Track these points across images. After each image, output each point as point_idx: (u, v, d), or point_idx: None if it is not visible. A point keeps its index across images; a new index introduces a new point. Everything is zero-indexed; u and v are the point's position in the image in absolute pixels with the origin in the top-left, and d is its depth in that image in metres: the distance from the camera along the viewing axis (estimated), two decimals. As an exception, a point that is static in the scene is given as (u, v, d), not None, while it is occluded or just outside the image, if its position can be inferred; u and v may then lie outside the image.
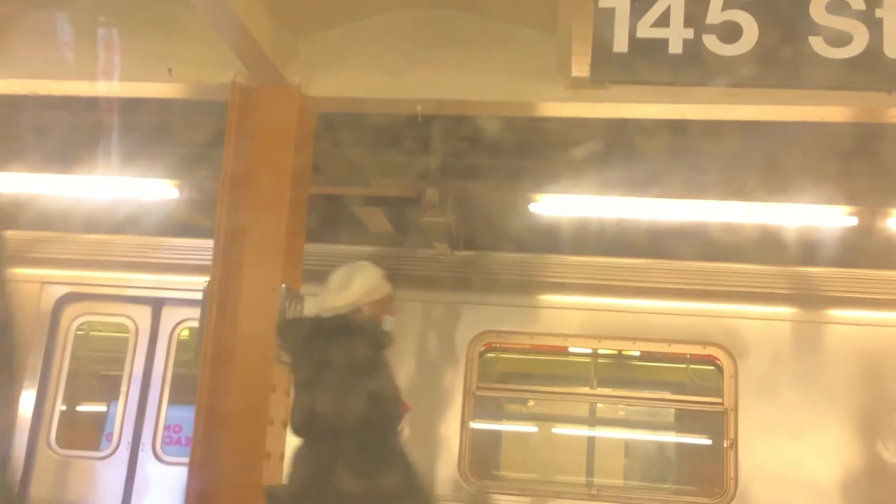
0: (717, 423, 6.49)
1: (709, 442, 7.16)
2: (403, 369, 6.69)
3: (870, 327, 6.45)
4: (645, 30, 3.93)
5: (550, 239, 7.39)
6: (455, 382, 6.66)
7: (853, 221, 6.93)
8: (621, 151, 6.47)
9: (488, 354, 6.90)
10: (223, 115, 5.47)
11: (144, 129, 6.80)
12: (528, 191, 6.83)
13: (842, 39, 3.87)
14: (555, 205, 7.09)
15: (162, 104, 6.39)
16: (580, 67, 4.68)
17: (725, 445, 6.35)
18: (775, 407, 6.32)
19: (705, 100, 5.08)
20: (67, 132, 6.81)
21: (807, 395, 6.32)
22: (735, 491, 6.22)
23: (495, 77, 5.38)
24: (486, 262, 7.10)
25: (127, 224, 7.57)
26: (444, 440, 6.55)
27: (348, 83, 5.51)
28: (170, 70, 5.54)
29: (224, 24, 4.96)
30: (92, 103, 6.32)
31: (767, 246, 7.05)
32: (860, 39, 3.87)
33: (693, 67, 3.93)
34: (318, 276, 6.18)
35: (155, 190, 7.17)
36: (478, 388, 6.69)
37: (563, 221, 7.37)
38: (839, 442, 6.24)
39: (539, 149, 6.65)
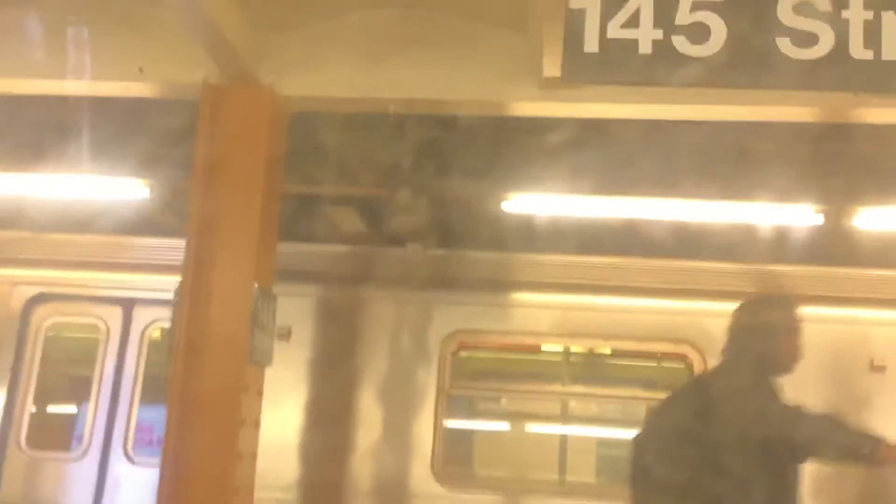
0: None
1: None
2: (376, 369, 6.71)
3: (836, 324, 6.53)
4: (615, 30, 3.96)
5: (523, 237, 7.42)
6: (428, 381, 6.67)
7: (820, 220, 7.03)
8: (593, 150, 6.51)
9: (461, 353, 6.91)
10: (195, 113, 5.45)
11: (115, 128, 6.75)
12: (501, 189, 6.85)
13: (808, 40, 3.92)
14: (527, 203, 7.13)
15: (133, 103, 6.35)
16: (552, 67, 4.72)
17: (696, 442, 6.40)
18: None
19: (676, 100, 5.13)
20: (37, 131, 6.75)
21: (775, 391, 6.38)
22: (705, 487, 6.28)
23: (468, 76, 5.41)
24: (458, 260, 7.12)
25: (98, 224, 7.51)
26: (417, 439, 6.56)
27: (321, 82, 5.50)
28: (140, 69, 5.50)
29: (195, 22, 4.94)
30: (61, 102, 6.26)
31: (736, 244, 7.13)
32: (826, 40, 3.93)
33: (663, 67, 3.96)
34: (291, 275, 6.23)
35: (126, 189, 7.11)
36: (451, 386, 6.70)
37: (536, 220, 7.41)
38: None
39: (511, 147, 6.68)
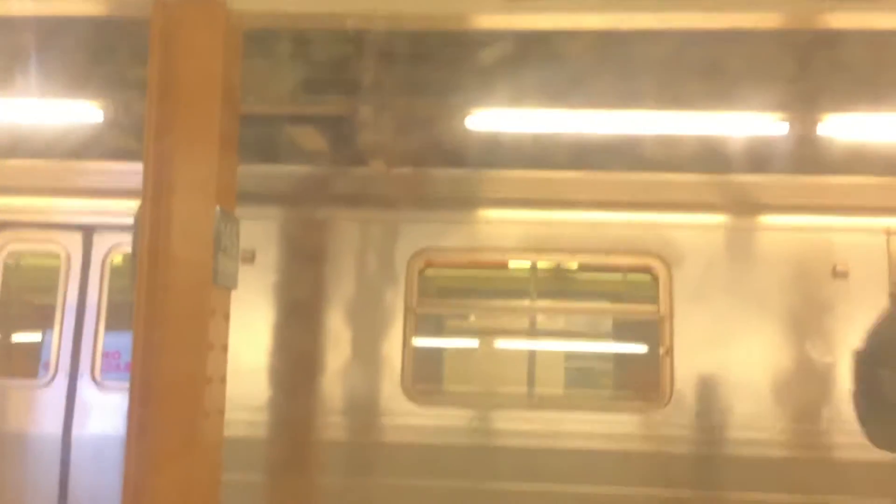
0: (654, 331, 6.63)
1: (645, 349, 7.35)
2: (342, 290, 6.70)
3: (799, 232, 6.60)
4: (578, -63, 3.86)
5: (488, 154, 7.36)
6: (395, 300, 6.67)
7: (784, 128, 7.04)
8: (556, 63, 6.42)
9: (428, 272, 6.91)
10: (147, 32, 5.27)
11: (65, 50, 6.54)
12: (464, 105, 6.76)
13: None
14: (491, 119, 7.04)
15: (82, 22, 6.14)
16: (513, -23, 4.61)
17: (661, 352, 6.50)
18: (709, 313, 6.48)
19: (639, 8, 5.05)
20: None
21: (739, 300, 6.48)
22: (671, 395, 6.41)
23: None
24: (422, 178, 7.06)
25: (54, 149, 7.35)
26: (386, 358, 6.60)
27: (275, -4, 5.34)
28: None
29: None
30: (7, 22, 6.04)
31: (700, 155, 7.13)
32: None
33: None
34: (252, 198, 6.15)
35: (80, 112, 6.93)
36: (418, 305, 6.72)
37: (501, 136, 7.34)
38: (770, 345, 6.44)
39: (474, 62, 6.56)
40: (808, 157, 7.07)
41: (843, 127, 7.06)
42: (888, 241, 6.52)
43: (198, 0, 5.23)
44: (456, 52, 6.50)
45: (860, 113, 6.94)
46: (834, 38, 5.93)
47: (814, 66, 6.46)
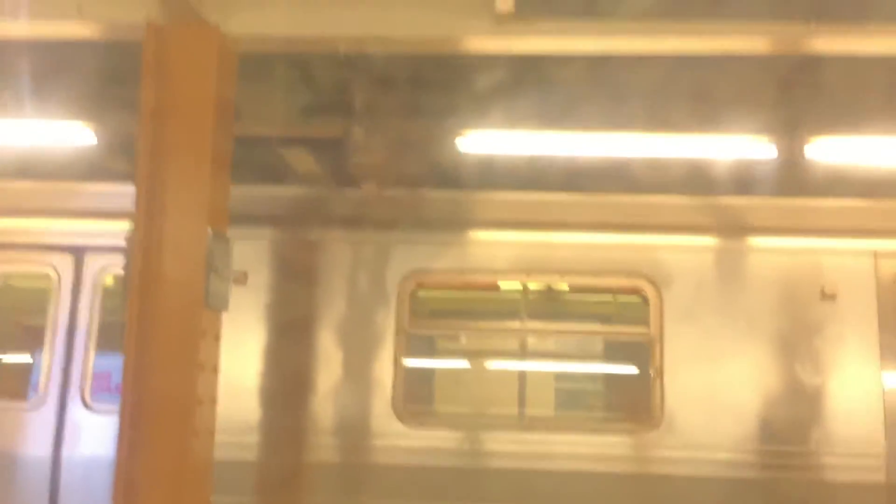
0: (644, 352, 6.65)
1: (636, 371, 7.36)
2: (335, 310, 6.70)
3: (788, 255, 6.64)
4: (568, -37, 3.92)
5: (480, 176, 7.40)
6: (387, 321, 6.68)
7: (773, 151, 7.10)
8: (547, 86, 6.47)
9: (419, 293, 6.92)
10: (139, 54, 5.29)
11: (59, 72, 6.56)
12: (455, 127, 6.80)
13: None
14: (482, 141, 7.08)
15: (75, 44, 6.16)
16: (505, 2, 4.66)
17: (652, 374, 6.52)
18: (699, 335, 6.50)
19: (630, 33, 5.10)
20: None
21: (729, 322, 6.51)
22: (661, 417, 6.42)
23: (419, 13, 5.30)
24: (414, 200, 7.09)
25: (45, 170, 7.35)
26: (377, 379, 6.59)
27: (268, 20, 5.37)
28: (79, 7, 5.32)
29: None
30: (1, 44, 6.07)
31: (689, 178, 7.18)
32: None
33: (616, 1, 3.93)
34: (246, 219, 6.16)
35: (72, 134, 6.94)
36: (410, 326, 6.72)
37: (491, 157, 7.38)
38: (760, 366, 6.46)
39: (465, 85, 6.61)
40: (795, 179, 7.14)
41: (830, 150, 7.13)
42: (876, 264, 6.56)
43: (191, 24, 5.28)
44: (448, 76, 6.55)
45: (846, 136, 7.01)
46: (820, 63, 6.00)
47: (800, 90, 6.53)
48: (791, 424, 6.38)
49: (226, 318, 5.49)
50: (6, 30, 5.51)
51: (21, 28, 5.45)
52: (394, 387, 6.57)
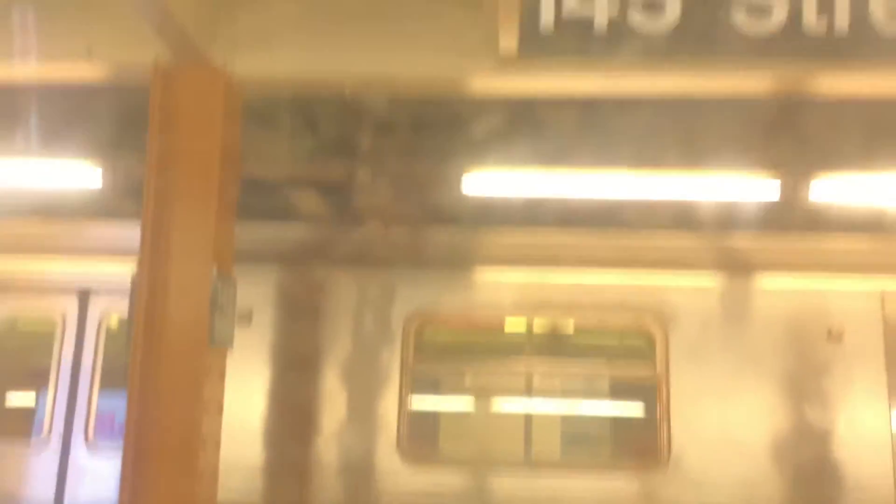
0: (651, 392, 6.61)
1: (642, 411, 7.30)
2: (339, 349, 6.69)
3: (794, 295, 6.62)
4: (571, 6, 3.96)
5: (484, 215, 7.41)
6: (392, 360, 6.67)
7: (776, 190, 7.10)
8: (551, 126, 6.50)
9: (424, 331, 6.91)
10: (147, 96, 5.34)
11: (67, 112, 6.61)
12: (460, 167, 6.83)
13: (762, 14, 3.94)
14: (487, 180, 7.10)
15: (84, 86, 6.22)
16: (508, 45, 4.70)
17: (658, 413, 6.48)
18: (705, 375, 6.47)
19: (631, 75, 5.12)
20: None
21: (735, 361, 6.48)
22: (668, 458, 6.36)
23: (423, 54, 5.36)
24: (419, 239, 7.10)
25: (51, 210, 7.37)
26: (382, 418, 6.57)
27: (274, 62, 5.42)
28: (89, 50, 5.38)
29: (143, 1, 4.84)
30: (10, 87, 6.12)
31: (696, 217, 7.17)
32: (780, 12, 3.95)
33: (619, 43, 3.97)
34: (251, 258, 6.17)
35: (78, 175, 6.97)
36: (415, 365, 6.70)
37: (496, 197, 7.39)
38: (767, 406, 6.42)
39: (469, 125, 6.65)
40: (800, 219, 7.13)
41: (833, 189, 7.12)
42: (883, 304, 6.54)
43: (197, 66, 5.33)
44: (450, 119, 6.59)
45: (853, 174, 7.00)
46: (820, 102, 6.02)
47: (805, 129, 6.54)
48: (798, 464, 6.33)
49: (230, 356, 5.48)
50: (19, 72, 5.57)
51: (33, 70, 5.50)
52: (399, 426, 6.54)
